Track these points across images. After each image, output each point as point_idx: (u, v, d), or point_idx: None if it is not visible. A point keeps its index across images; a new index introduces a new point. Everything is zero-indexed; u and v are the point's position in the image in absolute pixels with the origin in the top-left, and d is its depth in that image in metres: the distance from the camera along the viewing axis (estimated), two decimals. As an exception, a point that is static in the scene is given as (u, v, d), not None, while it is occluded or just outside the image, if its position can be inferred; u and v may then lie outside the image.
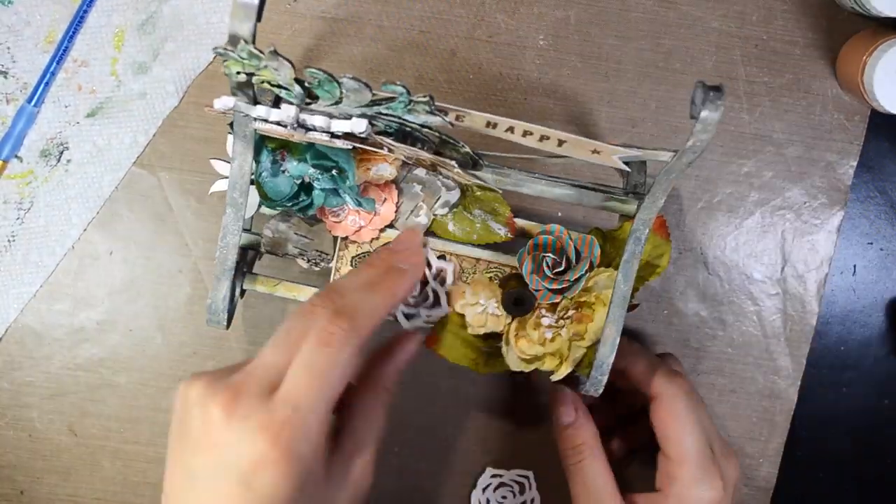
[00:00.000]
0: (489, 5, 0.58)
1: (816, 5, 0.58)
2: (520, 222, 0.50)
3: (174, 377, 0.60)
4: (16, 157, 0.57)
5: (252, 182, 0.47)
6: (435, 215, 0.49)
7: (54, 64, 0.57)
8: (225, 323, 0.49)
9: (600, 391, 0.48)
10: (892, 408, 0.62)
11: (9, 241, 0.58)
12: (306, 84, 0.41)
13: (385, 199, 0.49)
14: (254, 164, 0.47)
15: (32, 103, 0.57)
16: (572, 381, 0.53)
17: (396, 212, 0.49)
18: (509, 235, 0.50)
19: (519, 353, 0.49)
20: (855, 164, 0.59)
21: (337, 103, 0.42)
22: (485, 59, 0.59)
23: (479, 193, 0.49)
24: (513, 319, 0.49)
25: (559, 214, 0.59)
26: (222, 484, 0.36)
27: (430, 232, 0.50)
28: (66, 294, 0.59)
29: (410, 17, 0.58)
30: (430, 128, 0.44)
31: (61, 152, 0.58)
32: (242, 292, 0.52)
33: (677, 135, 0.59)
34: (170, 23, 0.58)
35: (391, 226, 0.49)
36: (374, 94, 0.41)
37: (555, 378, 0.50)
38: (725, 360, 0.61)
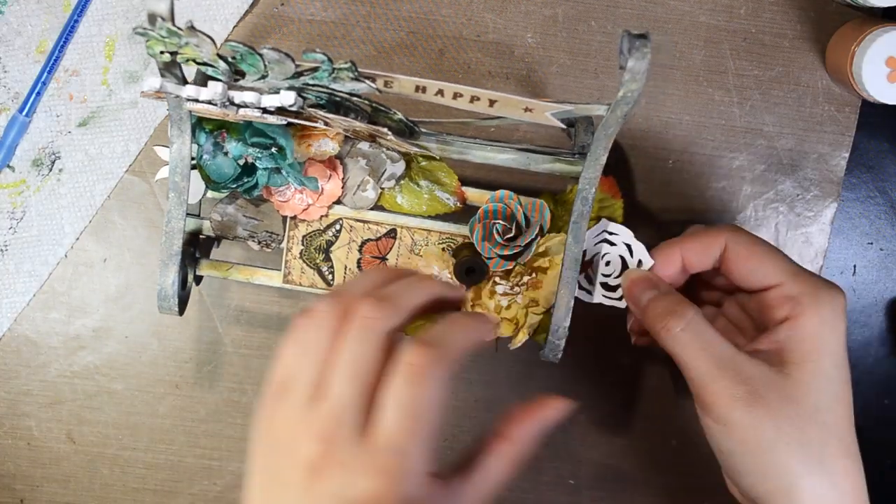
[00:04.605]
0: (477, 5, 0.58)
1: (804, -3, 0.58)
2: (469, 191, 0.50)
3: (171, 383, 0.60)
4: (8, 166, 0.58)
5: (194, 166, 0.47)
6: (382, 189, 0.49)
7: (45, 73, 0.57)
8: (177, 309, 0.49)
9: (559, 356, 0.48)
10: (892, 408, 0.62)
11: (1, 250, 0.58)
12: (230, 59, 0.41)
13: (330, 175, 0.48)
14: (195, 148, 0.46)
15: (24, 113, 0.57)
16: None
17: (343, 187, 0.49)
18: (458, 205, 0.50)
19: None
20: (847, 155, 0.59)
21: (263, 77, 0.42)
22: (473, 59, 0.59)
23: (424, 164, 0.49)
24: (468, 289, 0.49)
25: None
26: None
27: (378, 206, 0.49)
28: (61, 302, 0.60)
29: (398, 19, 0.58)
30: (359, 96, 0.43)
31: (53, 161, 0.58)
32: (199, 279, 0.52)
33: (668, 129, 0.59)
34: (160, 30, 0.58)
35: (339, 202, 0.49)
36: (297, 65, 0.41)
37: (513, 346, 0.49)
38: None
